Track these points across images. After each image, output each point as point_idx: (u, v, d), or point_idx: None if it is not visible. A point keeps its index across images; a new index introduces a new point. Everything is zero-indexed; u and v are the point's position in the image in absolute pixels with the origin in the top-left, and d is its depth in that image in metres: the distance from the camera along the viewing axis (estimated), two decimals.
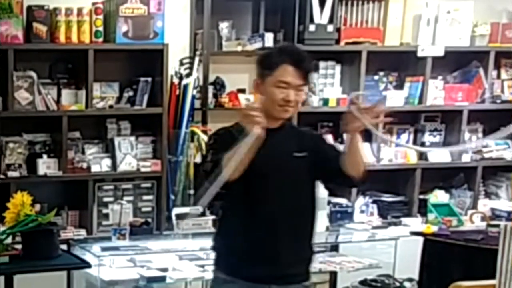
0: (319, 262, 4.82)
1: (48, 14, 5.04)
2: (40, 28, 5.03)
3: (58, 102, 5.13)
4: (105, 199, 5.21)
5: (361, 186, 2.98)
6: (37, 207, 4.63)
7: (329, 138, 5.34)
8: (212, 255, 3.14)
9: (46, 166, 5.08)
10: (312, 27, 5.50)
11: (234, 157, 2.63)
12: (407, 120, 5.95)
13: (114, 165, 5.24)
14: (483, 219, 5.24)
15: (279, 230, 2.91)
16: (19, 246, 3.85)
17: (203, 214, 5.14)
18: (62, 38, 5.05)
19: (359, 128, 2.76)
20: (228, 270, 2.97)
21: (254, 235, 2.89)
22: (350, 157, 2.84)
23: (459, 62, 6.01)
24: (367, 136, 5.67)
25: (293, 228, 2.94)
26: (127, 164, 5.23)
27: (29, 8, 5.03)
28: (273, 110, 2.87)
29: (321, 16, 5.50)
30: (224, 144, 2.82)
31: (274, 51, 3.04)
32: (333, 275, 4.99)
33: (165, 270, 4.48)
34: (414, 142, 5.95)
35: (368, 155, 5.73)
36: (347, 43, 5.63)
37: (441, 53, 5.76)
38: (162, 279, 4.43)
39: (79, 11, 5.07)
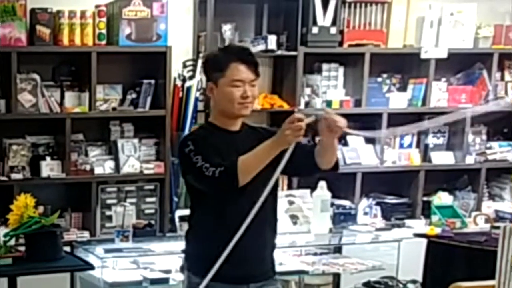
0: (322, 264, 4.82)
1: (52, 17, 5.05)
2: (44, 31, 5.04)
3: (61, 104, 5.15)
4: (108, 201, 5.21)
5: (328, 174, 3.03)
6: (41, 209, 4.64)
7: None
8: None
9: (49, 168, 5.09)
10: (315, 29, 5.50)
11: (259, 162, 2.70)
12: (411, 122, 5.89)
13: (117, 167, 5.25)
14: (487, 221, 5.23)
15: (251, 229, 2.89)
16: (22, 248, 3.86)
17: None
18: (65, 40, 5.06)
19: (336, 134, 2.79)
20: (203, 274, 2.89)
21: (227, 236, 2.88)
22: (325, 154, 2.88)
23: (463, 64, 6.01)
24: (370, 138, 5.74)
25: (263, 226, 2.96)
26: (130, 166, 5.23)
27: (33, 11, 5.04)
28: (233, 109, 2.89)
29: (324, 18, 5.50)
30: (205, 147, 2.85)
31: (219, 52, 3.06)
32: (336, 277, 4.98)
33: (168, 272, 4.48)
34: (418, 144, 5.94)
35: (371, 158, 5.74)
36: (350, 45, 5.62)
37: (444, 55, 5.75)
38: (165, 281, 4.43)
39: (82, 13, 5.08)
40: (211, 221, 2.94)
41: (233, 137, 2.92)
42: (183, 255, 3.17)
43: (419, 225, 5.58)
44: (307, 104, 5.61)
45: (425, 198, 5.84)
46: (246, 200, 2.78)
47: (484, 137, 6.03)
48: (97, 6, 5.15)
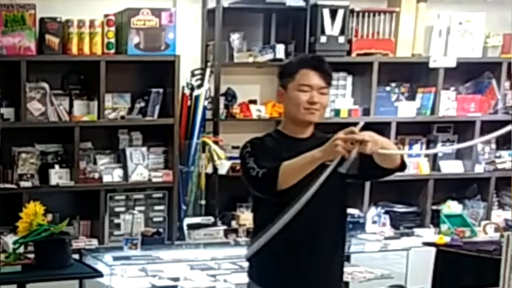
0: None
1: (61, 26, 5.08)
2: (53, 40, 5.07)
3: (70, 113, 5.17)
4: (117, 209, 5.23)
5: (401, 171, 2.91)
6: (49, 217, 4.66)
7: None
8: (244, 264, 3.11)
9: (58, 176, 5.11)
10: (323, 39, 5.50)
11: (300, 169, 2.67)
12: (419, 131, 5.93)
13: (125, 175, 5.26)
14: (496, 230, 5.21)
15: (318, 242, 2.89)
16: (31, 255, 3.86)
17: (214, 224, 5.14)
18: (74, 49, 5.09)
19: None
20: (265, 285, 2.94)
21: (292, 250, 2.87)
22: (381, 160, 2.79)
23: (472, 73, 6.00)
24: None
25: (324, 246, 2.92)
26: (138, 174, 5.24)
27: (42, 20, 5.07)
28: (299, 115, 2.87)
29: (332, 28, 5.51)
30: (262, 151, 2.84)
31: (292, 60, 3.09)
32: (345, 285, 4.95)
33: (176, 279, 4.48)
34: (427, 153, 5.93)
35: None
36: (358, 55, 5.63)
37: (453, 64, 5.75)
38: None
39: (91, 23, 5.11)
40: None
41: (300, 145, 2.85)
42: (247, 261, 3.11)
43: (428, 234, 5.57)
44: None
45: (434, 207, 5.83)
46: (313, 213, 2.78)
47: (493, 146, 6.01)
48: (106, 16, 5.18)
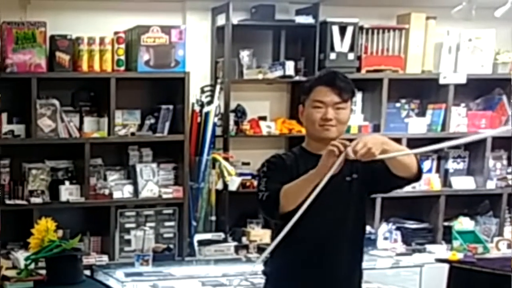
0: None
1: (71, 44, 5.10)
2: (63, 57, 5.08)
3: (80, 129, 5.17)
4: (127, 225, 5.21)
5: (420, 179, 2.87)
6: (60, 233, 4.61)
7: None
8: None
9: (68, 192, 5.11)
10: (333, 55, 5.50)
11: (300, 190, 2.67)
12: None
13: (136, 192, 5.25)
14: (509, 246, 5.17)
15: (337, 258, 2.88)
16: (43, 272, 3.83)
17: (225, 240, 5.11)
18: (84, 66, 5.10)
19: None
20: None
21: (311, 266, 2.86)
22: (394, 168, 2.75)
23: (482, 90, 5.99)
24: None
25: (349, 256, 2.92)
26: (149, 190, 5.23)
27: (52, 37, 5.09)
28: (315, 131, 2.87)
29: (341, 44, 5.51)
30: (277, 170, 2.84)
31: (310, 77, 3.14)
32: None
33: None
34: (438, 169, 5.89)
35: None
36: (368, 71, 5.62)
37: (463, 80, 5.73)
38: None
39: (101, 40, 5.12)
40: (298, 247, 2.87)
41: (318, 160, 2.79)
42: (264, 275, 3.10)
43: (440, 250, 5.53)
44: None
45: (445, 223, 5.79)
46: (334, 229, 2.80)
47: (504, 162, 5.98)
48: (116, 33, 5.19)
